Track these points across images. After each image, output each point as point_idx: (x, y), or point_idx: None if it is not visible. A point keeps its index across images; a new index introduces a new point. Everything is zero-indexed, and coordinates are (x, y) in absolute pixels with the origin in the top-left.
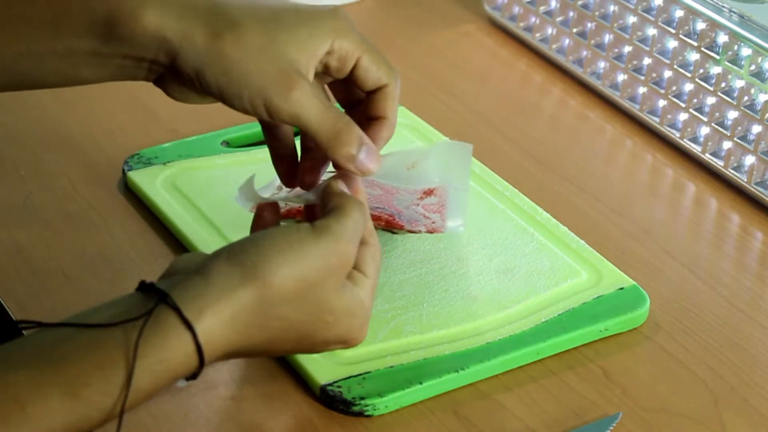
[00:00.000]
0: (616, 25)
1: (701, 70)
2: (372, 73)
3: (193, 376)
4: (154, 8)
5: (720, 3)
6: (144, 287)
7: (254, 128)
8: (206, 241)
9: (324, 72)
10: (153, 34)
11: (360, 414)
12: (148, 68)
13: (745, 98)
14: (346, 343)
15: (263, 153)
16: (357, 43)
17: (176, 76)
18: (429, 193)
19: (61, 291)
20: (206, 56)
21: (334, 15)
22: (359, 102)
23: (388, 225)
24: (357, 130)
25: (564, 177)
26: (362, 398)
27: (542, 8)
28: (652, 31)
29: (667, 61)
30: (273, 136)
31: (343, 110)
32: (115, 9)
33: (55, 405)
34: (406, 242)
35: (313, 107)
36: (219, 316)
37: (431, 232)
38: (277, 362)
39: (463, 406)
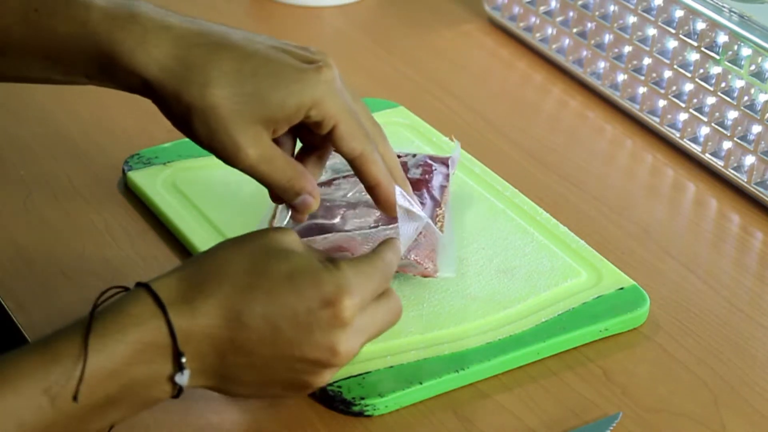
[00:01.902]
0: (616, 25)
1: (701, 70)
2: (346, 143)
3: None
4: (143, 54)
5: (720, 3)
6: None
7: None
8: (206, 241)
9: (301, 124)
10: (139, 78)
11: (360, 414)
12: (143, 95)
13: (745, 98)
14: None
15: None
16: (336, 110)
17: None
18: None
19: (61, 291)
20: (177, 111)
21: (318, 79)
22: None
23: None
24: (296, 185)
25: (564, 177)
26: (362, 398)
27: (542, 8)
28: (652, 31)
29: (667, 61)
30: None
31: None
32: (109, 51)
33: (29, 366)
34: None
35: (256, 173)
36: (171, 274)
37: (424, 276)
38: None
39: (463, 406)
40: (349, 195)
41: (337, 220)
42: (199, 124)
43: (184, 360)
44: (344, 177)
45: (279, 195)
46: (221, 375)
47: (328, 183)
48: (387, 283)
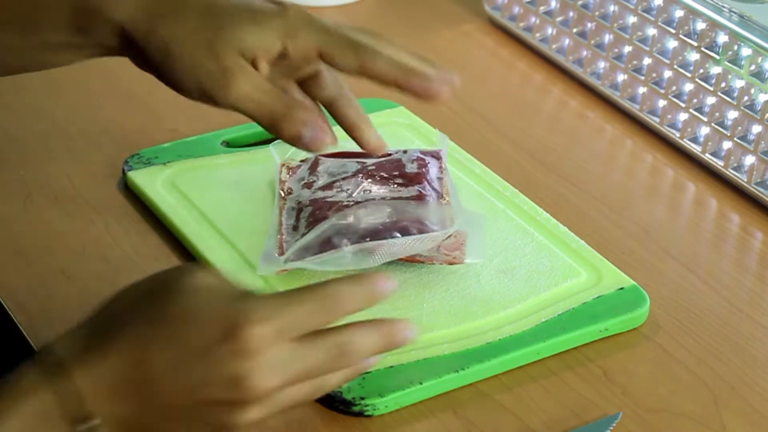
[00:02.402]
0: (616, 25)
1: (701, 70)
2: (338, 60)
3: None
4: (117, 2)
5: (720, 3)
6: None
7: (255, 128)
8: (206, 242)
9: (298, 66)
10: (113, 25)
11: (360, 414)
12: (119, 51)
13: (745, 98)
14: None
15: (263, 153)
16: (312, 38)
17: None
18: (447, 237)
19: (61, 291)
20: (156, 50)
21: (282, 14)
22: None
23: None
24: (298, 114)
25: (564, 177)
26: (362, 398)
27: (542, 8)
28: (652, 31)
29: (667, 61)
30: None
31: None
32: (84, 4)
33: None
34: None
35: (251, 100)
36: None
37: (451, 264)
38: None
39: (463, 406)
40: (354, 194)
41: (351, 219)
42: (181, 57)
43: (96, 423)
44: (343, 179)
45: (282, 130)
46: (142, 429)
47: (328, 186)
48: (328, 316)
